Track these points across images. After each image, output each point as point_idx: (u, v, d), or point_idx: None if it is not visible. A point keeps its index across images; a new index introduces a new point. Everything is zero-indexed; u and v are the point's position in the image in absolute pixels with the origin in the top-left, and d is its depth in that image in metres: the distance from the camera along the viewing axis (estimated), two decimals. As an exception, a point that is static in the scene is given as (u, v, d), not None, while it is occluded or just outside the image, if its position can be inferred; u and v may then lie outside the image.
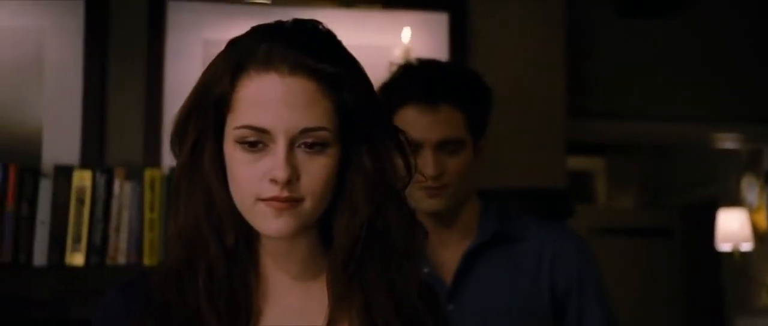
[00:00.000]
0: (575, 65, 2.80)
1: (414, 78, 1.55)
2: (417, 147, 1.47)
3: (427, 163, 1.48)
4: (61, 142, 2.32)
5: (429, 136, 1.50)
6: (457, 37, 2.55)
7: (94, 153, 2.33)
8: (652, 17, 3.35)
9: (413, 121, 1.49)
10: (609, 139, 4.07)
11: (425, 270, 1.49)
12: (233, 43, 0.96)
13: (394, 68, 1.64)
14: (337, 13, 2.43)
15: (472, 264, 1.54)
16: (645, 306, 5.24)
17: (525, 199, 2.37)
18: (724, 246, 4.75)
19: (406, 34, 2.46)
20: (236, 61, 0.93)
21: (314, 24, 0.96)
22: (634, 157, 5.79)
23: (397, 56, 2.45)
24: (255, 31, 0.96)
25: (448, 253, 1.56)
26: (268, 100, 0.91)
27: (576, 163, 4.95)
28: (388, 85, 1.56)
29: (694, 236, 5.50)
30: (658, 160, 5.76)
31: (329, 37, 0.96)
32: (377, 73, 1.01)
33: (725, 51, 3.46)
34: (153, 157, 2.35)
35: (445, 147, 1.52)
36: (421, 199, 1.50)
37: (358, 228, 0.94)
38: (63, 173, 2.19)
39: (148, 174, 2.21)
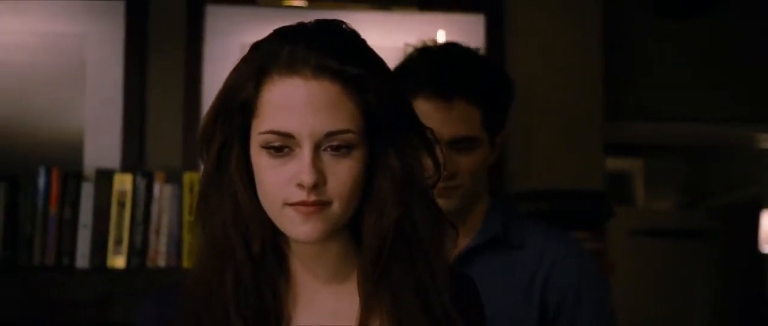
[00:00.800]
0: (612, 66, 2.77)
1: (429, 66, 1.44)
2: None
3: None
4: (103, 146, 2.36)
5: (441, 133, 1.35)
6: (494, 38, 2.54)
7: (134, 157, 2.36)
8: (690, 17, 3.31)
9: (424, 114, 1.38)
10: (647, 140, 4.02)
11: None
12: (256, 47, 0.95)
13: (410, 49, 1.52)
14: (373, 16, 2.44)
15: (466, 267, 1.45)
16: (684, 309, 5.17)
17: (563, 201, 2.35)
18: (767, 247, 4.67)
19: (441, 36, 2.46)
20: (260, 65, 0.93)
21: (337, 24, 0.95)
22: (672, 158, 5.72)
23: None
24: (277, 33, 0.95)
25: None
26: (292, 104, 0.90)
27: (614, 164, 4.90)
28: (400, 69, 1.44)
29: (735, 238, 5.42)
30: (697, 161, 5.68)
31: (353, 38, 0.95)
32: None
33: (765, 50, 3.40)
34: (191, 161, 2.37)
35: (458, 144, 1.42)
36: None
37: (386, 230, 0.93)
38: (104, 177, 2.23)
39: (187, 177, 2.24)
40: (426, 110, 1.39)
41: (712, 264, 5.55)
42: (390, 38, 2.33)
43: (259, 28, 2.43)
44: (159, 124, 2.41)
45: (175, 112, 2.41)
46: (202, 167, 0.98)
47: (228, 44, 2.44)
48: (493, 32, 2.54)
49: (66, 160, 2.30)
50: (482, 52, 2.55)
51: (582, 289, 1.49)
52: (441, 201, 1.40)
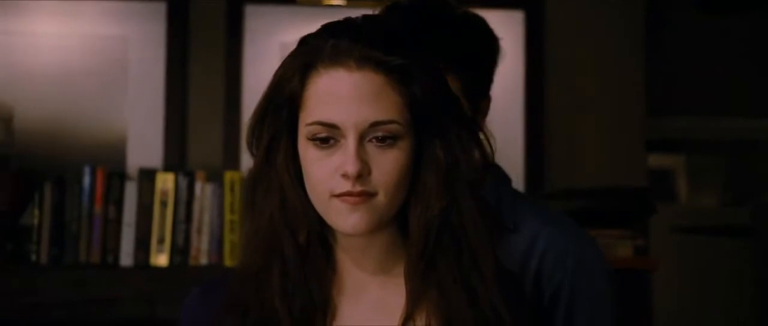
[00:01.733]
0: (655, 61, 2.74)
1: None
2: None
3: None
4: (145, 146, 2.39)
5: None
6: (533, 34, 2.53)
7: (176, 156, 2.39)
8: (733, 11, 3.26)
9: None
10: (690, 136, 3.97)
11: None
12: (303, 42, 0.97)
13: (378, 7, 1.29)
14: (411, 14, 2.43)
15: None
16: (727, 307, 5.09)
17: (604, 199, 2.33)
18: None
19: (480, 34, 2.44)
20: (305, 59, 0.94)
21: (382, 18, 0.96)
22: (716, 154, 5.63)
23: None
24: (324, 28, 0.97)
25: None
26: (337, 95, 0.91)
27: (656, 160, 4.84)
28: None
29: (780, 235, 5.32)
30: (741, 157, 5.59)
31: (397, 31, 0.96)
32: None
33: (812, 43, 3.34)
34: (232, 160, 2.39)
35: None
36: None
37: (431, 222, 0.94)
38: (147, 176, 2.26)
39: (228, 176, 2.26)
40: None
41: (756, 262, 5.45)
42: (428, 36, 2.32)
43: (298, 27, 2.46)
44: (200, 123, 2.43)
45: (215, 112, 2.44)
46: (248, 163, 0.99)
47: (268, 44, 2.46)
48: (532, 28, 2.52)
49: (110, 160, 2.34)
50: (522, 49, 2.58)
51: (578, 284, 1.27)
52: None
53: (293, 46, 0.99)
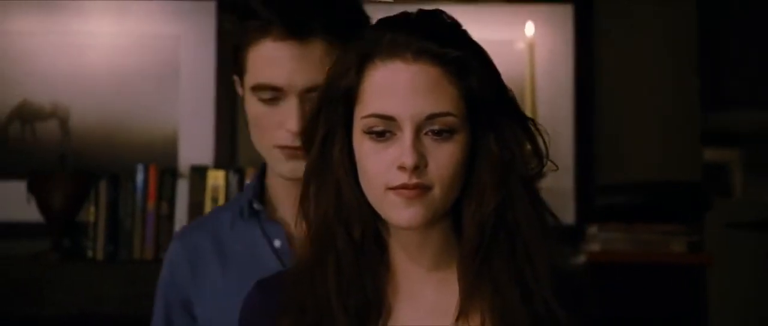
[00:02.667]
0: (709, 52, 2.69)
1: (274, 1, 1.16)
2: (276, 94, 1.15)
3: (290, 115, 1.14)
4: (196, 143, 2.42)
5: (294, 81, 1.13)
6: (583, 28, 2.50)
7: (226, 153, 2.42)
8: (792, 0, 3.18)
9: (272, 60, 1.14)
10: (747, 129, 3.88)
11: (277, 244, 1.21)
12: (359, 36, 0.97)
13: None
14: (458, 8, 2.42)
15: None
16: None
17: (658, 193, 2.30)
18: None
19: (529, 28, 2.43)
20: (362, 52, 0.94)
21: (438, 12, 0.96)
22: (773, 148, 5.50)
23: (521, 50, 2.42)
24: (381, 22, 0.97)
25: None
26: (393, 87, 0.91)
27: (711, 154, 4.75)
28: (239, 9, 1.19)
29: (842, 231, 5.18)
30: (800, 151, 5.45)
31: (453, 25, 0.96)
32: (500, 69, 1.00)
33: None
34: (282, 157, 2.41)
35: (313, 95, 1.11)
36: (277, 161, 1.18)
37: (485, 218, 0.93)
38: (198, 173, 2.29)
39: (278, 173, 2.28)
40: (274, 55, 1.14)
41: (817, 258, 5.32)
42: (476, 31, 2.31)
43: (345, 24, 2.47)
44: (250, 121, 2.46)
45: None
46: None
47: (316, 41, 2.47)
48: (582, 22, 2.50)
49: (162, 157, 2.37)
50: (571, 43, 2.56)
51: None
52: (290, 165, 1.16)
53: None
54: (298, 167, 1.14)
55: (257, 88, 1.16)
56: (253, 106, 1.17)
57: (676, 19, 2.56)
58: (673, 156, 2.51)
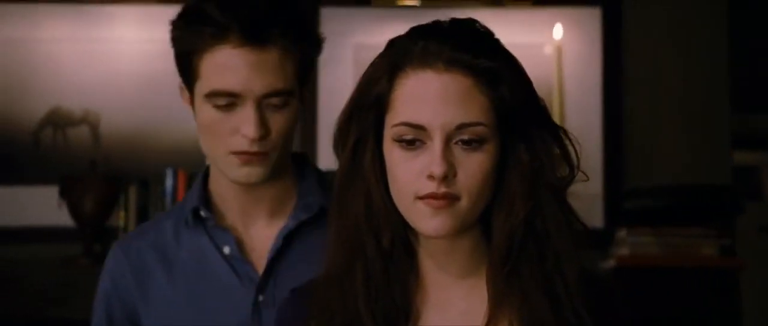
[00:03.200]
0: (739, 54, 2.66)
1: (235, 5, 1.15)
2: (232, 100, 1.13)
3: (247, 121, 1.12)
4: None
5: (252, 87, 1.13)
6: (611, 31, 2.49)
7: (254, 158, 2.43)
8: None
9: (229, 67, 1.13)
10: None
11: (226, 251, 1.19)
12: (392, 44, 0.97)
13: None
14: (486, 12, 2.43)
15: (288, 247, 1.22)
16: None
17: (688, 197, 2.28)
18: None
19: (557, 31, 2.42)
20: (394, 60, 0.94)
21: (471, 22, 0.96)
22: (805, 151, 5.43)
23: (549, 54, 2.41)
24: (413, 30, 0.97)
25: (257, 232, 1.22)
26: (425, 96, 0.91)
27: (742, 158, 4.70)
28: (192, 15, 1.17)
29: None
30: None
31: (486, 34, 0.95)
32: (528, 72, 0.99)
33: None
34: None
35: (269, 100, 1.15)
36: (232, 167, 1.15)
37: (515, 227, 0.93)
38: (227, 178, 2.30)
39: (306, 177, 2.29)
40: (232, 61, 1.13)
41: None
42: (504, 35, 2.31)
43: (373, 29, 2.48)
44: (277, 125, 2.47)
45: (292, 114, 2.47)
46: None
47: (342, 46, 2.48)
48: (610, 26, 2.49)
49: (190, 162, 2.39)
50: (600, 46, 2.55)
51: None
52: (245, 171, 1.15)
53: (367, 47, 0.99)
54: (253, 172, 1.15)
55: (213, 95, 1.14)
56: (206, 113, 1.15)
57: (705, 21, 2.54)
58: (703, 159, 2.49)
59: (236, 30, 1.13)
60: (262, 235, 1.22)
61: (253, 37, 1.13)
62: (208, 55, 1.14)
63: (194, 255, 1.21)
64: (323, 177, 1.27)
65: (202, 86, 1.15)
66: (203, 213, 1.21)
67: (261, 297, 1.18)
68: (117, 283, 1.21)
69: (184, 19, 1.18)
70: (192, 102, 1.18)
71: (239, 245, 1.20)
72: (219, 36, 1.13)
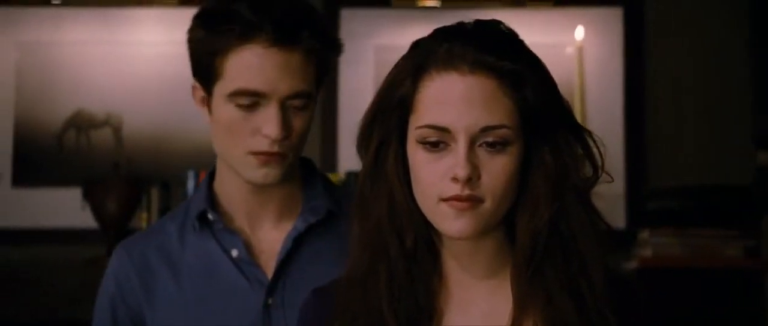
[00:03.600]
0: (762, 54, 2.64)
1: (265, 6, 1.14)
2: (255, 100, 1.13)
3: (270, 121, 1.13)
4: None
5: (277, 87, 1.13)
6: (632, 32, 2.47)
7: (275, 159, 2.43)
8: None
9: (256, 66, 1.13)
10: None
11: (235, 254, 1.19)
12: (416, 46, 0.96)
13: None
14: (507, 13, 2.42)
15: (297, 249, 1.21)
16: None
17: (711, 198, 2.26)
18: None
19: (579, 32, 2.41)
20: (418, 62, 0.94)
21: (495, 23, 0.96)
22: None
23: (571, 54, 2.40)
24: (437, 32, 0.96)
25: (264, 235, 1.22)
26: (449, 99, 0.91)
27: (763, 157, 4.64)
28: (219, 15, 1.16)
29: None
30: None
31: (510, 36, 0.95)
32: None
33: None
34: (330, 162, 2.42)
35: (292, 102, 1.15)
36: (250, 167, 1.15)
37: (539, 228, 0.92)
38: (249, 179, 2.31)
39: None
40: (259, 61, 1.13)
41: None
42: (525, 35, 2.30)
43: (393, 29, 2.48)
44: (298, 127, 2.47)
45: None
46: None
47: (363, 46, 2.48)
48: (632, 26, 2.47)
49: (211, 164, 2.38)
50: (621, 46, 2.54)
51: None
52: (263, 172, 1.15)
53: (388, 48, 0.99)
54: (270, 173, 1.15)
55: (237, 94, 1.13)
56: (227, 112, 1.14)
57: (727, 21, 2.52)
58: (726, 159, 2.47)
59: (268, 30, 1.12)
60: (269, 238, 1.21)
61: (283, 37, 1.13)
62: (233, 55, 1.14)
63: (201, 259, 1.20)
64: (328, 182, 1.28)
65: (226, 85, 1.14)
66: (210, 215, 1.20)
67: (270, 300, 1.18)
68: (122, 285, 1.20)
69: (209, 18, 1.17)
70: (207, 102, 1.18)
71: (247, 248, 1.19)
72: (248, 35, 1.13)
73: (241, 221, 1.21)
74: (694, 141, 2.47)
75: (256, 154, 1.14)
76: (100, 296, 1.22)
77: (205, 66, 1.17)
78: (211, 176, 1.24)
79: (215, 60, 1.15)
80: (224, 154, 1.19)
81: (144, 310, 1.20)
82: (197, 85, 1.19)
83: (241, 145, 1.14)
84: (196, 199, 1.23)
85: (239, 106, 1.14)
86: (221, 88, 1.15)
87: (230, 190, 1.20)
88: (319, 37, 1.16)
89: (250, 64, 1.13)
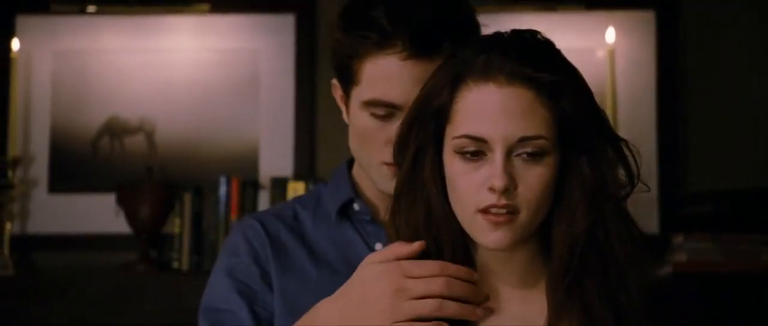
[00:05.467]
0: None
1: (405, 11, 1.08)
2: (391, 111, 1.10)
3: None
4: (276, 155, 2.46)
5: (411, 100, 1.05)
6: (666, 35, 2.45)
7: (305, 165, 2.45)
8: None
9: (393, 77, 1.08)
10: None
11: (378, 248, 1.17)
12: (453, 55, 0.98)
13: None
14: (538, 17, 2.40)
15: None
16: None
17: (748, 202, 2.23)
18: None
19: (610, 35, 2.39)
20: (455, 72, 0.95)
21: (532, 33, 0.96)
22: None
23: (602, 58, 2.39)
24: (474, 42, 0.98)
25: None
26: (486, 109, 0.92)
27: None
28: (357, 19, 1.11)
29: None
30: None
31: (547, 46, 0.96)
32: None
33: None
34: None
35: None
36: (382, 177, 1.13)
37: (576, 238, 0.93)
38: (278, 185, 2.33)
39: (357, 184, 2.30)
40: (396, 72, 1.07)
41: None
42: (556, 38, 2.29)
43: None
44: (328, 132, 2.48)
45: (342, 121, 2.44)
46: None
47: (393, 52, 2.48)
48: (665, 29, 2.45)
49: (243, 170, 2.42)
50: (654, 50, 2.51)
51: None
52: (390, 184, 1.08)
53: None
54: None
55: (372, 104, 1.11)
56: (362, 120, 1.12)
57: (763, 21, 2.49)
58: (762, 163, 2.43)
59: (406, 41, 1.07)
60: None
61: (422, 49, 1.07)
62: (369, 63, 1.10)
63: (339, 248, 1.17)
64: None
65: (362, 93, 1.12)
66: (357, 206, 1.18)
67: None
68: (253, 245, 1.16)
69: (347, 21, 1.13)
70: (345, 101, 1.16)
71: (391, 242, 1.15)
72: (385, 44, 1.08)
73: (384, 214, 1.14)
74: (730, 144, 2.44)
75: (389, 164, 1.11)
76: (227, 249, 1.18)
77: (344, 68, 1.14)
78: (349, 166, 1.22)
79: (352, 65, 1.12)
80: (359, 159, 1.18)
81: (272, 273, 1.15)
82: (337, 84, 1.17)
83: (375, 154, 1.13)
84: (335, 190, 1.20)
85: (374, 115, 1.11)
86: (358, 94, 1.13)
87: (371, 183, 1.18)
88: (460, 45, 1.05)
89: (387, 75, 1.09)
